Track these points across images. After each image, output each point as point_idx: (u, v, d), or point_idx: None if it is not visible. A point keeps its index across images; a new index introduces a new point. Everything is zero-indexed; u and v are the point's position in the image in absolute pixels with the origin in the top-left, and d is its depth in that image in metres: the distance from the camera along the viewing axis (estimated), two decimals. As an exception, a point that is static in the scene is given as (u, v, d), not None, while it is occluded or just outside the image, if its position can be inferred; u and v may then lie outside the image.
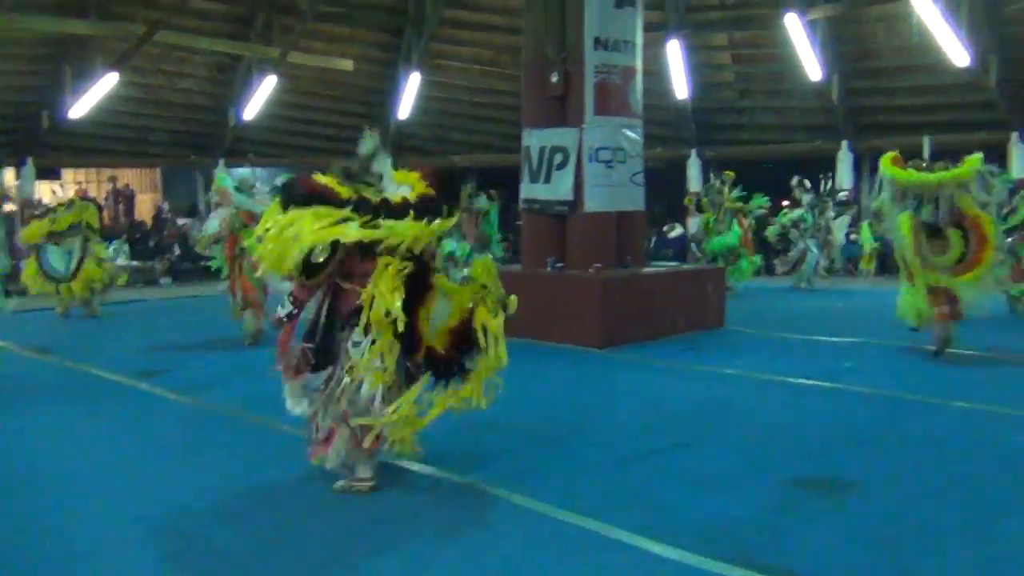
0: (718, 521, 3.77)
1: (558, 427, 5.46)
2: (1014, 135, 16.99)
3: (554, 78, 8.79)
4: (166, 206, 22.30)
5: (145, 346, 8.76)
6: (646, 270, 9.06)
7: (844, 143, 18.89)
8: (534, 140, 9.03)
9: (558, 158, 8.81)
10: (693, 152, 20.63)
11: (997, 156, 16.99)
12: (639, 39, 9.05)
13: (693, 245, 20.28)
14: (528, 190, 9.18)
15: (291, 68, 19.89)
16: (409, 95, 19.58)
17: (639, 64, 9.04)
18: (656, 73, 19.11)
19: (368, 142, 4.26)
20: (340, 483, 4.18)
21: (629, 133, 8.91)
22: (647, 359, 7.77)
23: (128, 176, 23.43)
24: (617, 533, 3.60)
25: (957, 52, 15.38)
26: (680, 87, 18.53)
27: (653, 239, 20.92)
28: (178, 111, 20.39)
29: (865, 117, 18.80)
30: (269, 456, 4.79)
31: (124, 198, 22.22)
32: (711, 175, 20.76)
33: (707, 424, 5.50)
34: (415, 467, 4.50)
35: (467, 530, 3.72)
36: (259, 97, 18.78)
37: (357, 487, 4.14)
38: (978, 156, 7.26)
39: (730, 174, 14.59)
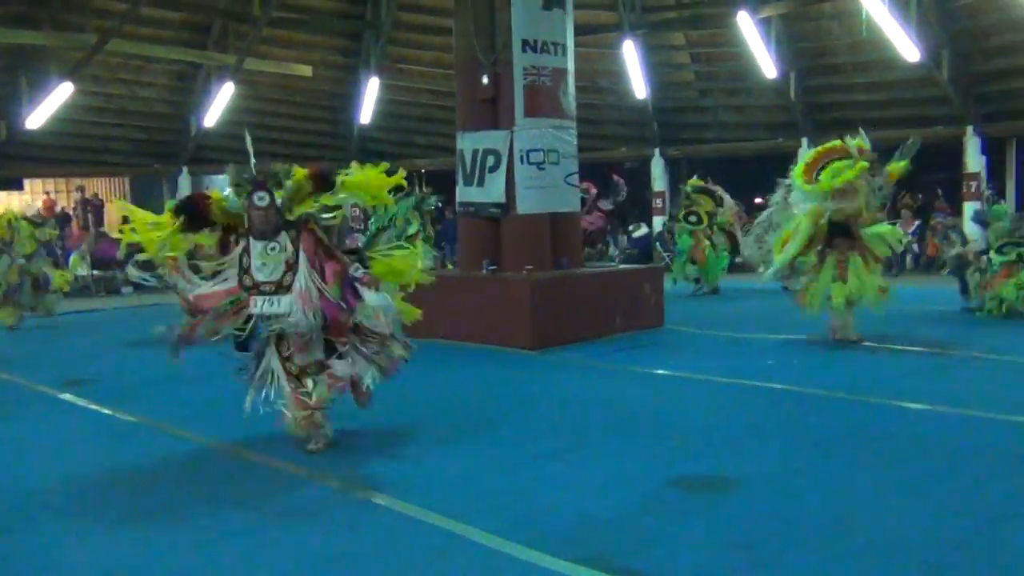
0: (588, 523, 3.76)
1: (462, 428, 5.46)
2: (969, 129, 17.08)
3: (484, 80, 8.78)
4: (133, 215, 22.21)
5: (81, 355, 8.73)
6: (582, 271, 9.03)
7: (804, 140, 18.93)
8: (467, 143, 9.03)
9: (490, 161, 8.82)
10: (656, 152, 20.67)
11: (954, 151, 17.18)
12: (570, 41, 9.07)
13: (658, 244, 20.37)
14: (463, 193, 9.18)
15: (251, 75, 19.87)
16: (370, 100, 19.54)
17: (570, 66, 9.06)
18: (615, 73, 19.21)
19: None
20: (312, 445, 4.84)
21: (561, 134, 8.92)
22: (578, 360, 7.77)
23: (97, 185, 23.32)
24: (475, 534, 3.60)
25: (907, 48, 15.47)
26: (639, 87, 18.56)
27: (613, 238, 21.00)
28: (139, 119, 20.34)
29: (824, 114, 18.88)
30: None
31: (93, 207, 22.09)
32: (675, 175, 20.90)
33: (615, 425, 5.49)
34: (292, 469, 4.52)
35: (310, 523, 3.81)
36: (218, 105, 18.71)
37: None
38: (863, 164, 7.36)
39: (693, 182, 14.60)
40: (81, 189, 22.18)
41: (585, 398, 6.36)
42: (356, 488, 4.28)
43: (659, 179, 20.92)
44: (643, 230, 20.80)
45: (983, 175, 17.29)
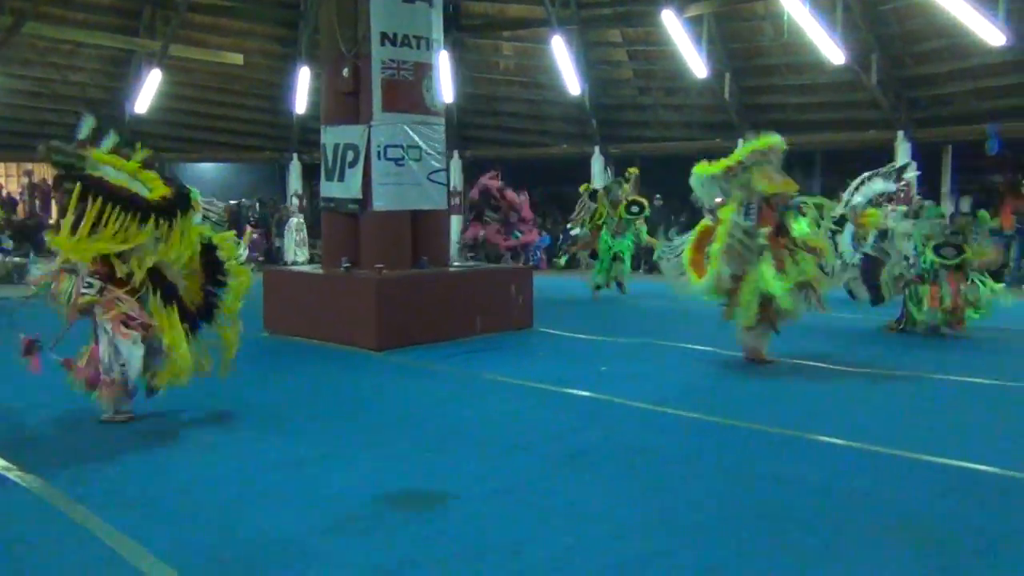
0: (256, 539, 3.60)
1: (237, 427, 5.30)
2: (899, 134, 16.95)
3: (345, 73, 8.60)
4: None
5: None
6: (440, 270, 8.85)
7: (740, 141, 18.73)
8: (329, 137, 8.85)
9: (350, 155, 8.64)
10: (596, 149, 20.51)
11: (887, 155, 17.04)
12: (437, 35, 8.89)
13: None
14: (325, 188, 9.01)
15: (186, 63, 19.65)
16: (303, 89, 19.32)
17: (437, 61, 8.86)
18: (555, 70, 19.02)
19: (85, 126, 5.45)
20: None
21: (425, 131, 8.73)
22: (416, 362, 7.60)
23: (47, 170, 23.04)
24: (112, 538, 3.45)
25: (832, 51, 15.32)
26: (572, 83, 18.38)
27: (555, 236, 20.83)
28: (73, 105, 19.98)
29: (760, 115, 18.70)
30: None
31: (41, 192, 21.82)
32: (609, 172, 20.73)
33: (391, 431, 5.34)
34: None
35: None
36: (147, 91, 18.47)
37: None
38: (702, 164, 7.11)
39: (633, 171, 13.79)
40: (29, 174, 21.90)
41: (391, 401, 6.22)
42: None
43: (598, 176, 20.74)
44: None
45: (913, 180, 17.15)
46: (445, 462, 4.69)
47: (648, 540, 3.56)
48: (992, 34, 13.72)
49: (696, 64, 16.82)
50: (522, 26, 18.97)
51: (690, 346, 8.08)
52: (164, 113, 20.81)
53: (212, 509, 3.96)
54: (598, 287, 12.84)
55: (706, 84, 18.19)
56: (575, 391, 6.35)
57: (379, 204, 8.54)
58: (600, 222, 13.03)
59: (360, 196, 8.59)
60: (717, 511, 3.88)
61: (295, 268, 10.33)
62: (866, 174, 10.46)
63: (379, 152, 8.49)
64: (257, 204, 21.21)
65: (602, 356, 7.89)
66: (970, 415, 5.70)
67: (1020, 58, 14.65)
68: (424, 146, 8.70)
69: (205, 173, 25.05)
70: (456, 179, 21.71)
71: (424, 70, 8.67)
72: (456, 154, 21.72)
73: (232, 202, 22.60)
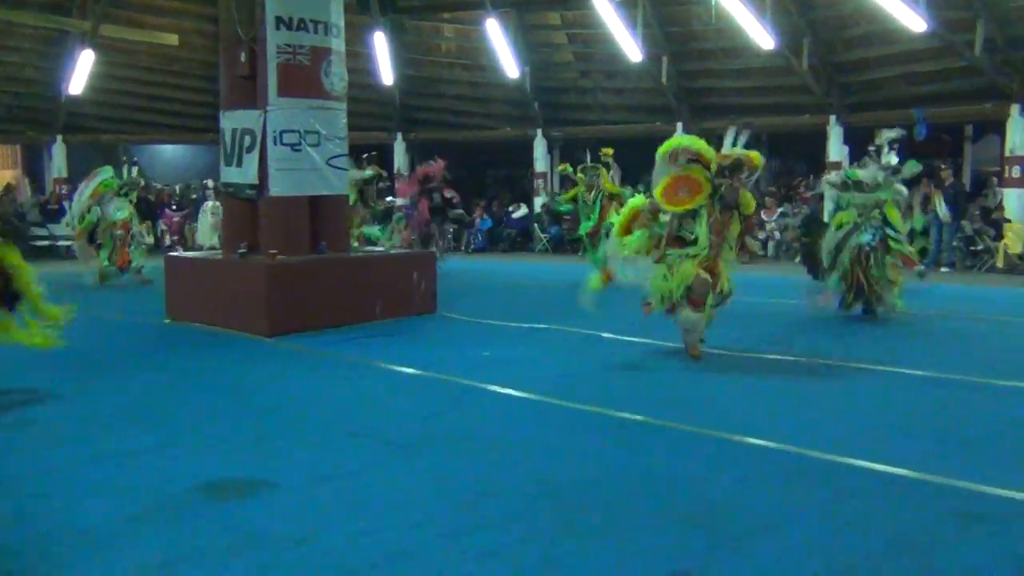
0: (56, 529, 3.62)
1: (96, 416, 5.32)
2: (831, 119, 17.11)
3: (242, 57, 8.54)
4: (26, 182, 21.75)
5: None
6: (338, 256, 8.84)
7: (679, 125, 18.89)
8: (227, 122, 8.81)
9: (247, 141, 8.60)
10: (539, 132, 20.52)
11: (820, 140, 17.19)
12: (338, 19, 8.83)
13: (536, 226, 20.25)
14: (224, 173, 8.97)
15: (122, 43, 19.41)
16: (241, 71, 19.10)
17: (338, 45, 8.82)
18: (494, 52, 18.96)
19: None
20: None
21: (324, 116, 8.70)
22: (307, 349, 7.61)
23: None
24: None
25: (761, 36, 15.41)
26: (510, 66, 18.36)
27: (485, 220, 20.83)
28: (8, 85, 19.77)
29: (697, 99, 18.82)
30: None
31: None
32: (554, 155, 20.76)
33: (243, 417, 5.37)
34: None
35: None
36: (81, 72, 18.22)
37: None
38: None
39: (608, 152, 12.98)
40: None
41: (260, 389, 6.24)
42: None
43: (541, 159, 20.79)
44: (522, 211, 20.72)
45: (844, 164, 17.33)
46: (280, 449, 4.72)
47: (440, 526, 3.62)
48: (913, 20, 13.86)
49: (631, 48, 16.85)
50: (458, 8, 18.88)
51: (597, 333, 8.05)
52: (103, 94, 20.55)
53: (22, 498, 3.97)
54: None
55: (644, 68, 18.24)
56: (449, 377, 6.40)
57: (275, 190, 8.51)
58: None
59: (256, 181, 8.56)
60: (533, 496, 3.94)
61: (194, 254, 10.26)
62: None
63: (275, 137, 8.46)
64: (177, 188, 21.07)
65: (498, 341, 7.94)
66: (822, 399, 5.80)
67: (942, 44, 14.82)
68: (323, 131, 8.67)
69: (162, 154, 24.83)
70: (400, 162, 21.69)
71: (322, 55, 8.62)
72: (400, 136, 21.67)
73: (181, 184, 22.48)
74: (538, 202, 20.72)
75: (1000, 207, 15.16)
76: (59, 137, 20.85)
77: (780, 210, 17.77)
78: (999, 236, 14.35)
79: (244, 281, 8.28)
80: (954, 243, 14.62)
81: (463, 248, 19.43)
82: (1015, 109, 14.85)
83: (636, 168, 17.84)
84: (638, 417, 5.24)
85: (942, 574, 3.16)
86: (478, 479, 4.21)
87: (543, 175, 20.81)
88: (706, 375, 6.46)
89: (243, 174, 8.68)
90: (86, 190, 12.49)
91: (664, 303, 6.74)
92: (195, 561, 3.33)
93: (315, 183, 8.67)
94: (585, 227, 12.41)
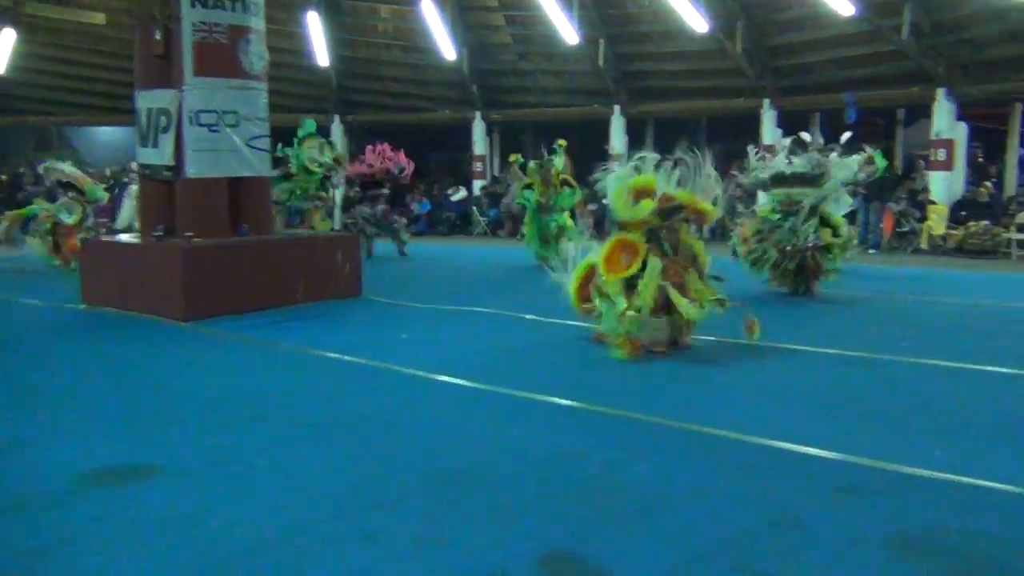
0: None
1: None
2: (765, 103, 17.30)
3: (156, 36, 8.32)
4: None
5: None
6: (259, 238, 8.69)
7: (616, 108, 18.96)
8: (142, 102, 8.58)
9: (163, 121, 8.39)
10: (478, 115, 20.44)
11: (755, 123, 17.37)
12: (257, -3, 8.65)
13: (475, 209, 20.16)
14: (140, 155, 8.75)
15: (50, 22, 18.88)
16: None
17: (257, 24, 8.64)
18: (426, 34, 18.81)
19: None
20: None
21: (244, 96, 8.53)
22: (223, 333, 7.48)
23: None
24: None
25: (695, 19, 15.49)
26: (447, 48, 18.23)
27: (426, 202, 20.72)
28: (-72, 64, 19.15)
29: (634, 82, 18.89)
30: None
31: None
32: (494, 139, 20.68)
33: (151, 404, 5.25)
34: None
35: None
36: (3, 50, 17.67)
37: None
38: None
39: (562, 143, 12.56)
40: None
41: (167, 373, 6.11)
42: None
43: (480, 142, 20.73)
44: (461, 193, 20.65)
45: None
46: (179, 434, 4.62)
47: (324, 509, 3.57)
48: (842, 4, 14.04)
49: (567, 30, 16.82)
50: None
51: (522, 315, 8.04)
52: (29, 74, 19.99)
53: None
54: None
55: (582, 50, 18.26)
56: (362, 360, 6.34)
57: (192, 171, 8.33)
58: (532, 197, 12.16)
59: (173, 163, 8.37)
60: (424, 479, 3.91)
61: (109, 238, 10.03)
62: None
63: (191, 118, 8.27)
64: (108, 171, 20.62)
65: (420, 324, 7.89)
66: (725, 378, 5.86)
67: (871, 28, 15.05)
68: (242, 112, 8.50)
69: (99, 136, 24.20)
70: (339, 144, 21.40)
71: (240, 33, 8.44)
72: (337, 119, 21.42)
73: (115, 167, 21.95)
74: (477, 185, 20.65)
75: (926, 190, 15.48)
76: (-15, 117, 20.28)
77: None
78: (924, 218, 14.65)
79: (160, 265, 8.11)
80: (880, 225, 14.89)
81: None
82: (940, 93, 15.16)
83: (576, 151, 17.93)
84: (546, 398, 5.24)
85: (816, 548, 3.20)
86: (372, 462, 4.17)
87: (482, 158, 20.74)
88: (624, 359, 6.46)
89: (159, 155, 8.48)
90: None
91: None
92: (74, 547, 3.25)
93: (234, 165, 8.51)
94: (531, 234, 12.25)
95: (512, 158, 13.29)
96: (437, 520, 3.47)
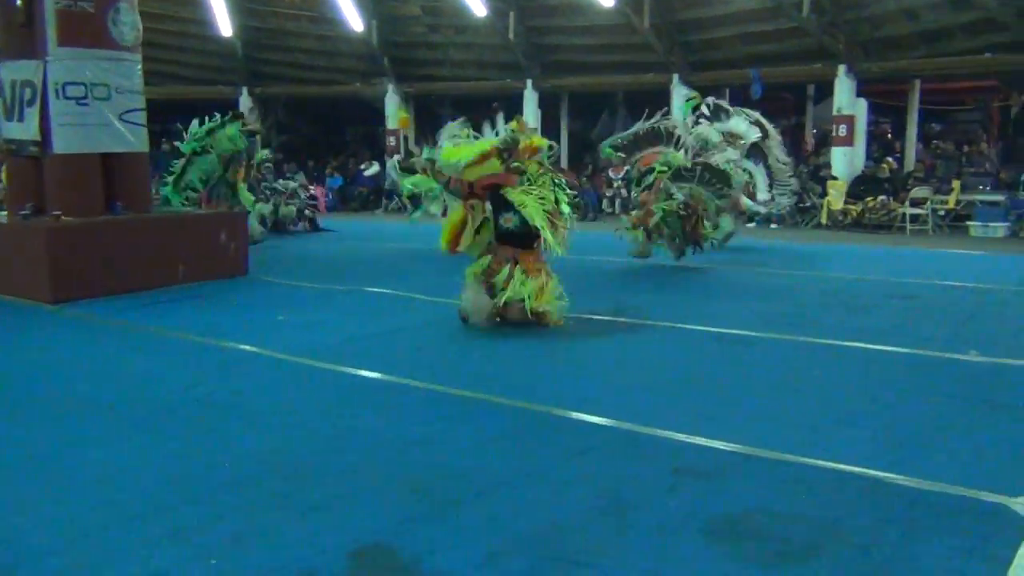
0: None
1: None
2: (675, 78, 17.33)
3: (18, 2, 7.89)
4: None
5: None
6: (135, 216, 8.36)
7: (528, 82, 18.82)
8: (6, 73, 8.15)
9: (27, 94, 8.00)
10: (391, 87, 20.08)
11: (665, 98, 17.38)
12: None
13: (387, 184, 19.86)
14: (5, 129, 8.33)
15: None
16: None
17: (130, -9, 8.26)
18: (332, 4, 18.37)
19: None
20: None
21: (113, 67, 8.16)
22: (91, 316, 7.19)
23: None
24: None
25: (600, -8, 15.42)
26: (354, 19, 17.84)
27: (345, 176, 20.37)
28: None
29: (545, 56, 18.75)
30: None
31: None
32: (408, 110, 20.36)
33: (6, 391, 5.00)
34: None
35: None
36: None
37: None
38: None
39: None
40: None
41: (16, 358, 5.84)
42: None
43: (393, 116, 20.38)
44: (374, 168, 20.33)
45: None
46: (4, 427, 4.39)
47: (135, 505, 3.40)
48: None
49: (475, 2, 16.59)
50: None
51: (412, 295, 7.91)
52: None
53: None
54: None
55: (492, 23, 18.03)
56: (228, 343, 6.15)
57: (60, 146, 7.96)
58: None
59: (39, 137, 7.98)
60: (257, 469, 3.78)
61: None
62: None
63: (57, 90, 7.89)
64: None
65: (301, 305, 7.71)
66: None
67: (774, 5, 15.17)
68: (113, 84, 8.14)
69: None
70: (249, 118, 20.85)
71: (108, 2, 8.06)
72: (245, 91, 20.85)
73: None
74: (391, 160, 20.33)
75: (828, 165, 15.76)
76: None
77: (627, 168, 17.94)
78: (825, 193, 14.90)
79: (25, 245, 7.74)
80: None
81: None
82: (842, 70, 15.38)
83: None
84: (408, 381, 5.13)
85: (637, 533, 3.16)
86: (207, 452, 4.01)
87: (395, 132, 20.42)
88: (498, 339, 6.38)
89: (25, 130, 8.09)
90: None
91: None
92: None
93: (105, 140, 8.16)
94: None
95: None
96: (258, 514, 3.34)
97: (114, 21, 8.13)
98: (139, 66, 8.47)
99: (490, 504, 3.42)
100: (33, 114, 8.00)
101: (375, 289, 8.25)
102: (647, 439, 4.14)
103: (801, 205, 15.12)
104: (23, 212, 7.98)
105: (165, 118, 26.45)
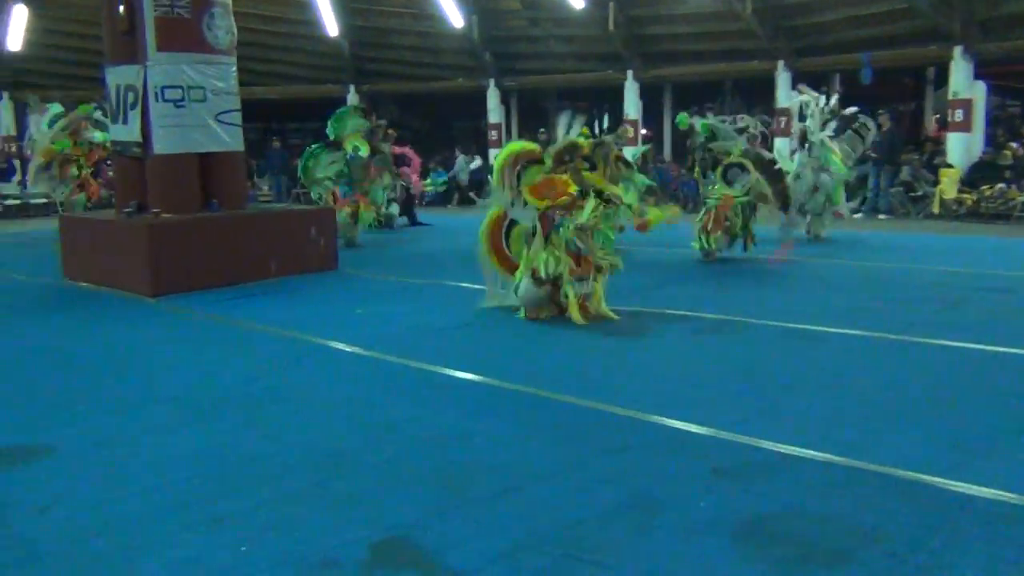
0: None
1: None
2: (779, 64, 16.86)
3: (120, 11, 8.34)
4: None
5: None
6: (230, 214, 8.71)
7: (629, 72, 18.66)
8: (111, 78, 8.64)
9: (130, 97, 8.45)
10: (492, 82, 20.24)
11: (770, 86, 16.94)
12: (219, -29, 8.61)
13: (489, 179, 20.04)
14: (113, 131, 8.85)
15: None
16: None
17: (223, -3, 8.61)
18: (432, 1, 18.62)
19: None
20: None
21: (210, 70, 8.53)
22: (189, 309, 7.52)
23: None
24: None
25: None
26: (454, 15, 18.04)
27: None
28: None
29: (646, 46, 18.52)
30: None
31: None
32: (511, 106, 20.46)
33: (68, 381, 5.33)
34: None
35: None
36: (17, 27, 17.92)
37: None
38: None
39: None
40: None
41: (101, 349, 6.19)
42: None
43: (494, 111, 20.54)
44: (476, 163, 20.51)
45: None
46: (76, 414, 4.66)
47: (181, 494, 3.57)
48: (849, -39, 13.55)
49: (576, -7, 16.53)
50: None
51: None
52: (45, 50, 20.25)
53: None
54: None
55: (591, 14, 17.92)
56: (303, 335, 6.35)
57: (159, 147, 8.38)
58: None
59: (141, 139, 8.42)
60: (299, 459, 3.91)
61: (86, 214, 10.17)
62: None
63: (156, 93, 8.29)
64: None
65: (384, 298, 7.89)
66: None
67: (883, -14, 14.53)
68: (209, 86, 8.50)
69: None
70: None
71: (204, 7, 8.43)
72: (352, 89, 21.37)
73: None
74: (493, 154, 20.48)
75: (943, 152, 15.00)
76: (4, 94, 20.59)
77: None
78: (938, 182, 14.19)
79: (128, 241, 8.19)
80: (892, 189, 14.46)
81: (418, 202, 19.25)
82: (957, 51, 14.59)
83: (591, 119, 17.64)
84: (463, 374, 5.19)
85: (662, 533, 3.11)
86: (258, 442, 4.16)
87: (497, 126, 20.57)
88: (559, 334, 6.36)
89: (129, 132, 8.55)
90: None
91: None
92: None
93: (202, 140, 8.54)
94: None
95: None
96: (291, 504, 3.45)
97: (209, 26, 8.48)
98: (234, 68, 8.81)
99: (519, 500, 3.43)
100: (135, 116, 8.44)
101: (455, 283, 8.33)
102: (690, 437, 4.06)
103: (913, 195, 14.44)
104: (127, 210, 8.43)
105: (280, 117, 27.47)
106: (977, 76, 14.78)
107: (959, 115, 14.74)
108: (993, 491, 3.34)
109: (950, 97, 14.95)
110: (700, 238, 9.23)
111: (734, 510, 3.27)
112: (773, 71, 16.96)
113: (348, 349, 5.91)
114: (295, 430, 4.32)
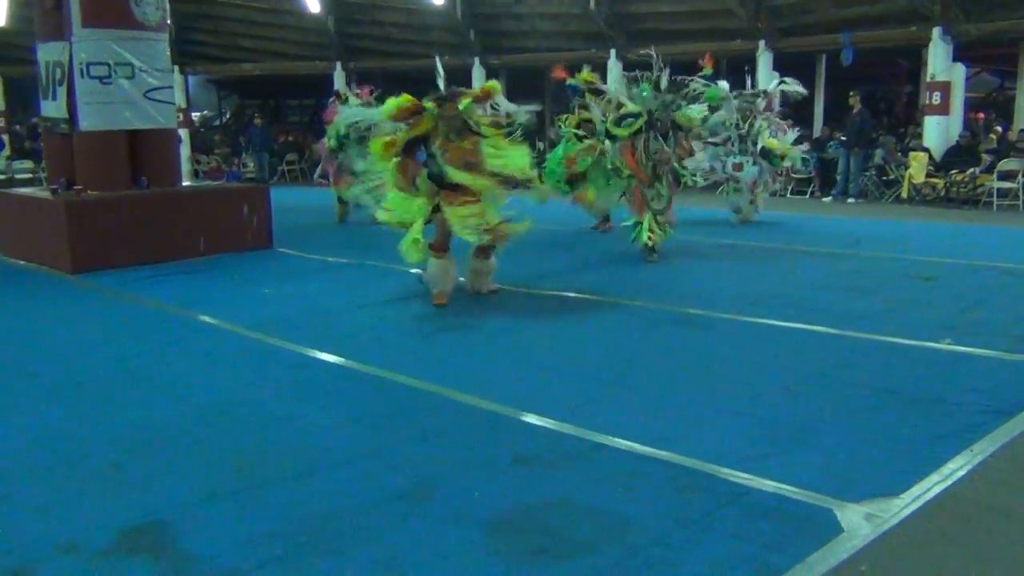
0: None
1: None
2: (761, 44, 16.59)
3: (48, -14, 8.32)
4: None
5: None
6: (159, 190, 8.70)
7: (612, 52, 18.44)
8: (41, 54, 8.63)
9: (58, 74, 8.44)
10: (476, 60, 20.09)
11: (751, 64, 16.69)
12: (149, -55, 8.54)
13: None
14: (43, 107, 8.84)
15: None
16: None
17: (152, -28, 8.55)
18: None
19: None
20: None
21: (137, 47, 8.49)
22: (104, 286, 7.53)
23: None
24: None
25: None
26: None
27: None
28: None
29: (629, 25, 18.31)
30: None
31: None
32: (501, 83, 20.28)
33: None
34: None
35: None
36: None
37: None
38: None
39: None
40: None
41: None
42: None
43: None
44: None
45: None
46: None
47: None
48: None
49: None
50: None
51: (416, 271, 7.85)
52: (30, 24, 20.28)
53: None
54: None
55: (572, -10, 17.73)
56: (199, 314, 6.35)
57: (86, 124, 8.37)
58: None
59: (68, 115, 8.41)
60: (113, 439, 3.90)
61: (15, 191, 10.19)
62: None
63: (82, 70, 8.27)
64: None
65: (299, 278, 7.84)
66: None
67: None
68: (137, 63, 8.47)
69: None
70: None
71: (132, -17, 8.36)
72: (339, 66, 21.30)
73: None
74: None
75: (918, 136, 14.73)
76: (-7, 70, 20.75)
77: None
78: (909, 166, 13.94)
79: (49, 219, 8.19)
80: (865, 173, 14.22)
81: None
82: (936, 33, 14.28)
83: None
84: (330, 358, 5.15)
85: (417, 522, 3.06)
86: (85, 423, 4.14)
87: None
88: (449, 318, 6.31)
89: (57, 108, 8.55)
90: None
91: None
92: None
93: (130, 117, 8.51)
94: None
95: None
96: (74, 485, 3.42)
97: (137, 2, 8.42)
98: (164, 45, 8.76)
99: (300, 486, 3.39)
100: (63, 93, 8.43)
101: (381, 264, 8.24)
102: (509, 423, 4.00)
103: (885, 178, 14.20)
104: (54, 187, 8.43)
105: (270, 92, 27.35)
106: (956, 58, 14.47)
107: (937, 98, 14.45)
108: (774, 483, 3.25)
109: (928, 79, 14.66)
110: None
111: (503, 500, 3.21)
112: (755, 51, 16.68)
113: (230, 329, 5.88)
114: (133, 410, 4.29)
